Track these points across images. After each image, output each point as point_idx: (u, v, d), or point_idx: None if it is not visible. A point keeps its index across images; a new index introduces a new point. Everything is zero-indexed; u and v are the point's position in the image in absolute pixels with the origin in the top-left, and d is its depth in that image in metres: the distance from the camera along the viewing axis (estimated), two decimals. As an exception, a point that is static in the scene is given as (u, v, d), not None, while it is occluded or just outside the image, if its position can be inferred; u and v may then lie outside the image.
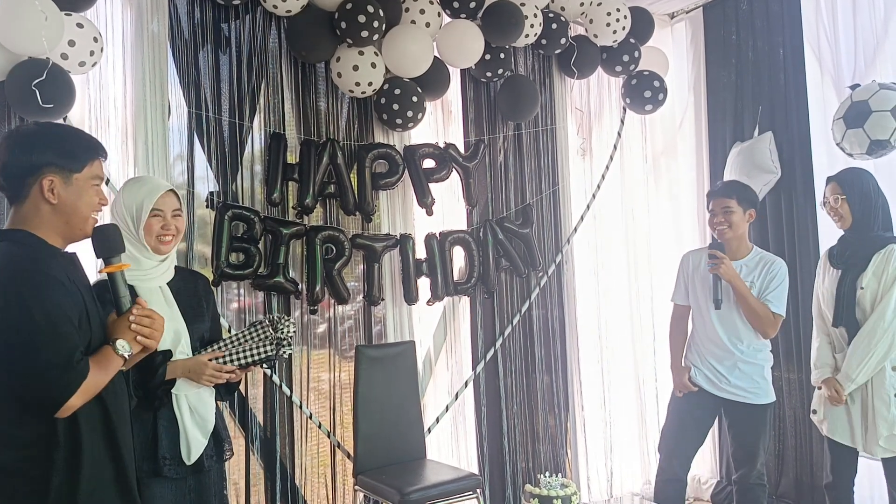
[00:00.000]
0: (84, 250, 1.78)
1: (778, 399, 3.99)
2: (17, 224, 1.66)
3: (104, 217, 2.17)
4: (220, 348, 2.18)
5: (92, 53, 2.76)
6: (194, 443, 2.12)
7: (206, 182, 3.21)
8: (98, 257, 1.76)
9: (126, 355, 1.66)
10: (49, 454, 1.57)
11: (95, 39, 2.77)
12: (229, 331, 3.05)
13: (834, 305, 2.95)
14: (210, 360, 2.15)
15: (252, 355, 2.17)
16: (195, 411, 2.15)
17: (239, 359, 2.17)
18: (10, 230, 1.67)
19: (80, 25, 2.72)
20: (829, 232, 3.66)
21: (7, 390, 1.55)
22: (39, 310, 1.53)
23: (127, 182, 2.32)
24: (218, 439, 2.24)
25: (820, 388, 3.02)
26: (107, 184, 2.92)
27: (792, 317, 3.91)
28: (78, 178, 1.67)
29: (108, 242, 1.73)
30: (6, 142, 1.68)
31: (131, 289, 1.85)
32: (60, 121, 2.85)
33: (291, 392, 3.32)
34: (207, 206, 3.19)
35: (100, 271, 1.78)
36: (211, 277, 2.98)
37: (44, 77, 2.58)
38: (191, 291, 2.27)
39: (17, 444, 1.56)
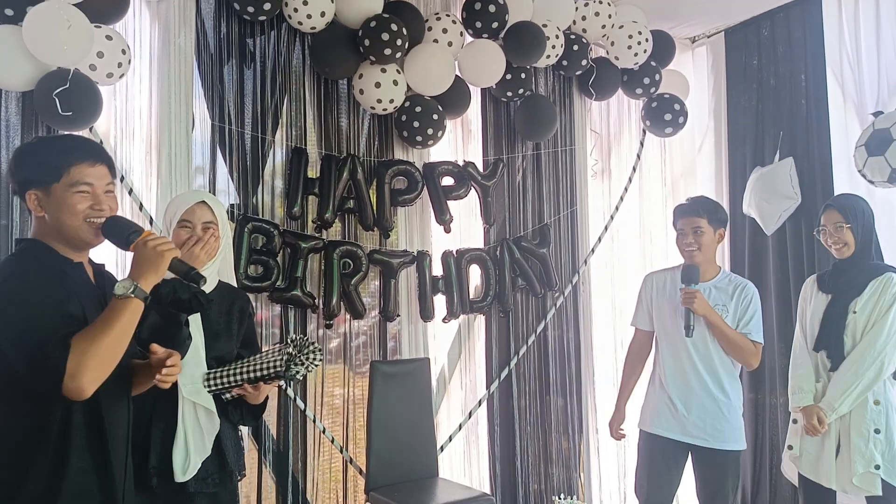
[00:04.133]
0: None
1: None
2: (32, 235, 1.74)
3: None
4: (236, 365, 2.09)
5: (120, 65, 2.81)
6: (192, 461, 2.02)
7: (227, 195, 3.24)
8: (124, 249, 1.74)
9: (128, 292, 1.60)
10: (31, 456, 1.56)
11: (123, 52, 2.82)
12: None
13: (819, 329, 2.86)
14: (216, 373, 2.08)
15: (259, 369, 2.06)
16: (202, 427, 2.07)
17: (248, 373, 2.06)
18: (21, 238, 1.86)
19: (108, 38, 2.76)
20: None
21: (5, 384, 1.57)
22: (22, 304, 1.56)
23: (175, 196, 2.32)
24: (223, 461, 2.14)
25: (796, 422, 2.89)
26: (130, 194, 2.96)
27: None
28: (56, 188, 1.68)
29: (118, 231, 1.73)
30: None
31: None
32: (86, 131, 2.89)
33: (305, 406, 3.32)
34: (228, 219, 3.20)
35: (129, 250, 1.74)
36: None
37: (67, 86, 2.61)
38: (223, 309, 2.21)
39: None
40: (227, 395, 2.14)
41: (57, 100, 2.60)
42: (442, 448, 3.64)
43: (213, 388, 2.10)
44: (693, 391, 2.92)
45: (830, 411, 2.74)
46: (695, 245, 2.94)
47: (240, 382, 2.07)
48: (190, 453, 2.04)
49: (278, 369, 2.04)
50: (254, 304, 3.23)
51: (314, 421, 3.34)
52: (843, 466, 2.74)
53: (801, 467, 2.90)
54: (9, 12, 2.62)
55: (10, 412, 1.59)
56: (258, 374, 2.06)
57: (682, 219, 3.00)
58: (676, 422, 2.94)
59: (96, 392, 1.57)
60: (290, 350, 2.08)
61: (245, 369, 2.07)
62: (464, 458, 3.82)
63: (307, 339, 2.11)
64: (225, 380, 2.09)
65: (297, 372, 2.08)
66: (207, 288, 2.11)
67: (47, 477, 1.57)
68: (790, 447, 2.94)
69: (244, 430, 3.17)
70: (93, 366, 1.53)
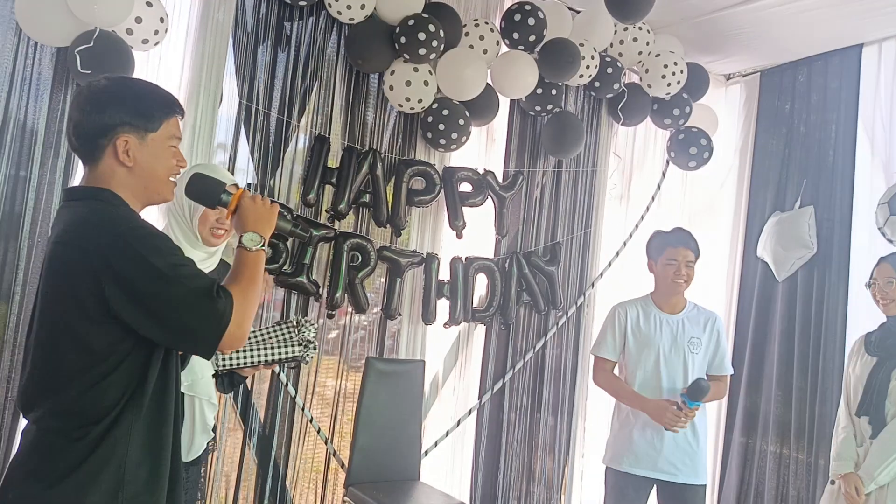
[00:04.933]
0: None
1: (783, 478, 3.94)
2: (95, 184, 1.52)
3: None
4: (247, 345, 2.08)
5: (156, 33, 2.82)
6: (196, 442, 2.09)
7: (245, 174, 3.25)
8: (209, 206, 1.69)
9: (259, 246, 1.54)
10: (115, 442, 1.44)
11: (162, 20, 2.83)
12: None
13: (861, 393, 2.77)
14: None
15: (279, 353, 2.06)
16: (203, 413, 2.11)
17: (265, 355, 2.06)
18: (93, 188, 1.51)
19: (149, 4, 2.78)
20: (858, 314, 3.61)
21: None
22: (159, 257, 1.42)
23: (192, 167, 2.31)
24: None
25: (833, 484, 2.81)
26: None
27: (809, 395, 3.85)
28: (154, 139, 1.52)
29: (208, 188, 1.64)
30: (77, 99, 1.54)
31: None
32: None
33: (296, 393, 3.31)
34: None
35: (227, 217, 1.67)
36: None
37: (91, 45, 2.61)
38: None
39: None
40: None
41: (78, 56, 2.60)
42: (426, 452, 3.63)
43: (227, 366, 2.07)
44: (661, 426, 2.87)
45: (869, 481, 2.66)
46: (685, 278, 2.94)
47: (256, 363, 2.06)
48: (195, 437, 2.09)
49: (296, 355, 2.05)
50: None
51: (303, 409, 3.33)
52: None
53: None
54: (55, -33, 2.64)
55: (101, 392, 1.43)
56: (276, 357, 2.05)
57: (677, 248, 2.95)
58: (646, 457, 2.91)
59: (178, 369, 1.52)
60: (301, 333, 2.07)
61: (262, 352, 2.06)
62: (447, 465, 3.81)
63: (305, 319, 2.11)
64: (241, 361, 2.07)
65: (308, 354, 2.08)
66: (208, 266, 2.14)
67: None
68: None
69: (230, 407, 3.18)
70: (249, 314, 1.46)
